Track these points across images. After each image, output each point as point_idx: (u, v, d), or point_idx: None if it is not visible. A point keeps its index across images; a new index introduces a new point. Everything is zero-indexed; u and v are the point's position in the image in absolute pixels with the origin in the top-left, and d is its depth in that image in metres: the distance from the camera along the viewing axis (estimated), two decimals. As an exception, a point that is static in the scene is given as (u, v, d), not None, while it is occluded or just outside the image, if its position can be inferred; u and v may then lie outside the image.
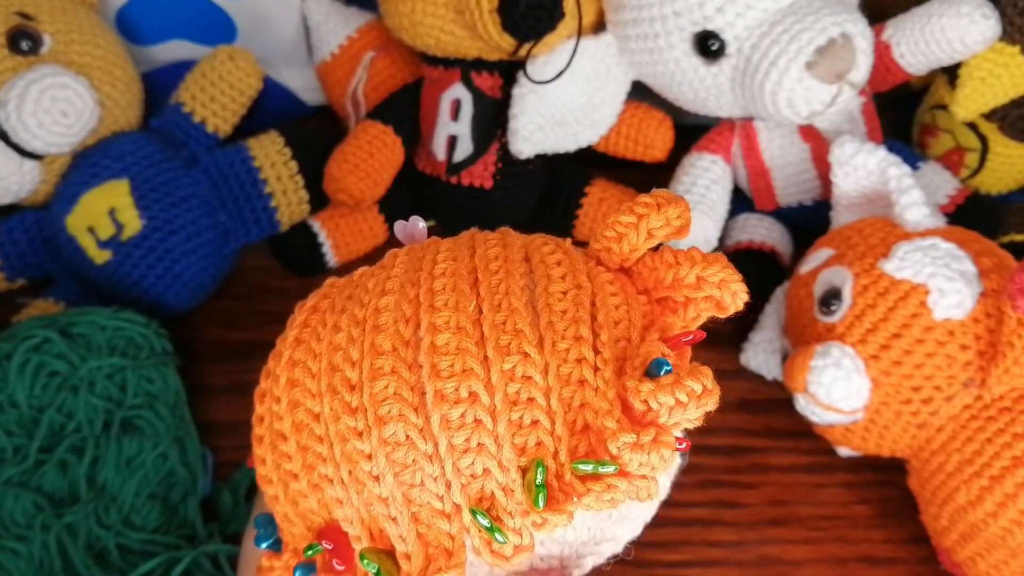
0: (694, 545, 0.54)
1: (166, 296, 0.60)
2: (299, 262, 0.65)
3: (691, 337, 0.36)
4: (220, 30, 0.68)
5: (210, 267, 0.61)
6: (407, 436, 0.33)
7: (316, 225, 0.65)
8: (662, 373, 0.32)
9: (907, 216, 0.53)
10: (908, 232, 0.52)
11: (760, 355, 0.59)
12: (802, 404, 0.52)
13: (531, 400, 0.33)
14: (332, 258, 0.65)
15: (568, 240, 0.39)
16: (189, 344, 0.61)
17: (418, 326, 0.34)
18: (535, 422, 0.33)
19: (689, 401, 0.31)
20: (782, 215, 0.65)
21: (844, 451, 0.55)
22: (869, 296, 0.50)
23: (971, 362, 0.49)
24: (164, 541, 0.53)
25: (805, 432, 0.55)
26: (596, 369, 0.33)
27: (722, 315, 0.37)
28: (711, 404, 0.32)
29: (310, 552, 0.35)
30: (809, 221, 0.62)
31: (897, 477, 0.54)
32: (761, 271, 0.61)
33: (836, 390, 0.50)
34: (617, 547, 0.39)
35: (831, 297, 0.52)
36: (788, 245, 0.64)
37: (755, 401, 0.59)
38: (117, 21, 0.67)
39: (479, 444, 0.33)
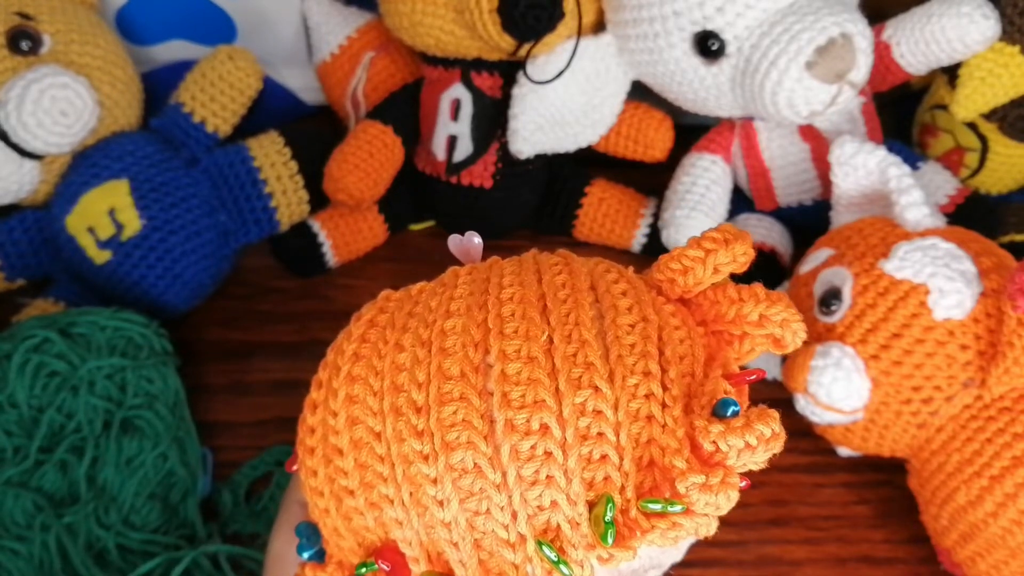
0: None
1: (166, 296, 0.60)
2: (299, 262, 0.65)
3: (754, 376, 0.36)
4: (220, 30, 0.68)
5: (210, 267, 0.61)
6: (475, 464, 0.33)
7: (316, 225, 0.65)
8: (729, 413, 0.33)
9: (907, 216, 0.53)
10: (908, 232, 0.52)
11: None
12: (802, 404, 0.52)
13: (601, 435, 0.33)
14: (332, 258, 0.65)
15: (630, 268, 0.39)
16: (189, 344, 0.61)
17: (487, 352, 0.34)
18: (604, 457, 0.33)
19: (758, 445, 0.32)
20: (782, 215, 0.65)
21: (844, 451, 0.55)
22: (869, 296, 0.50)
23: (971, 362, 0.49)
24: (164, 541, 0.53)
25: (805, 432, 0.55)
26: (664, 406, 0.33)
27: (780, 352, 0.37)
28: (778, 448, 0.32)
29: (363, 570, 0.35)
30: (809, 221, 0.62)
31: (897, 477, 0.54)
32: (761, 271, 0.61)
33: (836, 390, 0.50)
34: (659, 573, 0.39)
35: (831, 297, 0.52)
36: (788, 245, 0.64)
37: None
38: (117, 21, 0.67)
39: (548, 477, 0.32)
